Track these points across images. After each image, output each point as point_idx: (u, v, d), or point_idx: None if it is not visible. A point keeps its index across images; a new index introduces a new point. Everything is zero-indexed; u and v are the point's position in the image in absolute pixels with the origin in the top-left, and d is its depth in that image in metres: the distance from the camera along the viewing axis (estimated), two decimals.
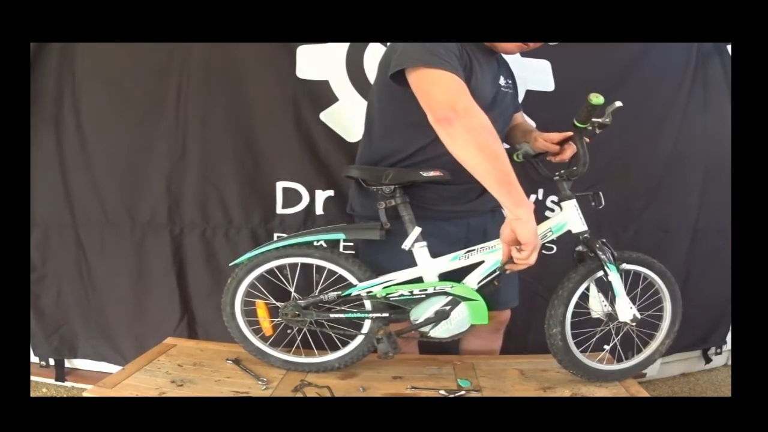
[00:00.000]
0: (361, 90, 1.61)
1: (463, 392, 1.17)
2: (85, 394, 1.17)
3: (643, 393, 1.21)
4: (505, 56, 1.30)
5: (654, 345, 1.28)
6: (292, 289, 1.24)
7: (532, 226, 1.01)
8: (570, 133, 1.19)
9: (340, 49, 1.59)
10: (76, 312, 1.75)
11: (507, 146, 1.35)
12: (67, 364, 1.83)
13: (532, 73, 1.63)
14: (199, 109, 1.61)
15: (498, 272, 1.15)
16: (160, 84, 1.60)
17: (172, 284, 1.69)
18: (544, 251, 1.72)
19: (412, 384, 1.20)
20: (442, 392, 1.16)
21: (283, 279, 1.26)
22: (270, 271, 1.26)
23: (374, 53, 1.59)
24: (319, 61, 1.60)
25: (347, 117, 1.62)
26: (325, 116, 1.62)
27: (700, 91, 1.78)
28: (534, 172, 1.29)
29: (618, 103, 1.08)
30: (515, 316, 1.46)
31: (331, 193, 1.65)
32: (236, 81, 1.60)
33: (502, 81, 1.23)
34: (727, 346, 2.08)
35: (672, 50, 1.72)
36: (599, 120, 1.10)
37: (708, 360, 2.08)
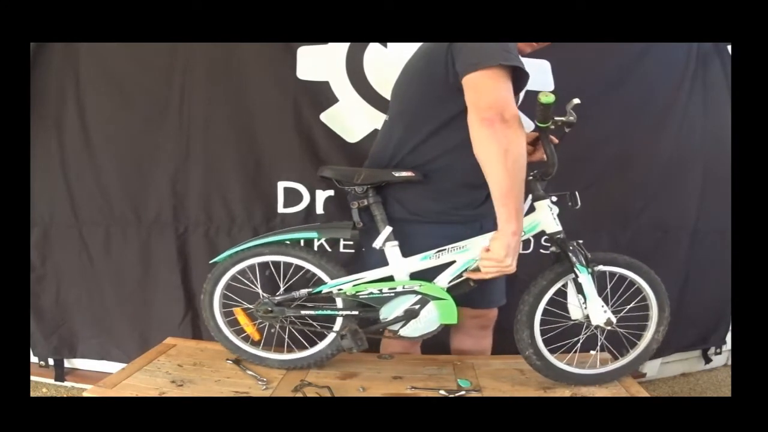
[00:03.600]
0: (361, 91, 1.61)
1: (463, 392, 1.17)
2: (85, 394, 1.17)
3: (643, 393, 1.21)
4: None
5: (648, 335, 1.26)
6: (258, 287, 1.26)
7: (506, 243, 1.03)
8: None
9: (341, 49, 1.60)
10: (76, 311, 1.75)
11: None
12: (67, 364, 1.83)
13: (531, 73, 1.62)
14: (201, 109, 1.62)
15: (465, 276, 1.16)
16: (164, 85, 1.61)
17: (177, 282, 1.70)
18: (541, 250, 1.72)
19: (412, 384, 1.20)
20: (442, 392, 1.16)
21: (255, 280, 1.27)
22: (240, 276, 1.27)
23: (374, 54, 1.59)
24: (320, 62, 1.60)
25: (347, 118, 1.62)
26: (325, 117, 1.62)
27: (700, 91, 1.78)
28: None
29: (576, 100, 1.08)
30: (513, 315, 1.45)
31: (331, 193, 1.65)
32: (238, 82, 1.60)
33: None
34: (727, 346, 2.08)
35: (672, 50, 1.72)
36: (563, 119, 1.09)
37: (708, 360, 2.08)
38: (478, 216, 1.24)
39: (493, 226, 1.26)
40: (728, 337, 2.04)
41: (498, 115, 0.98)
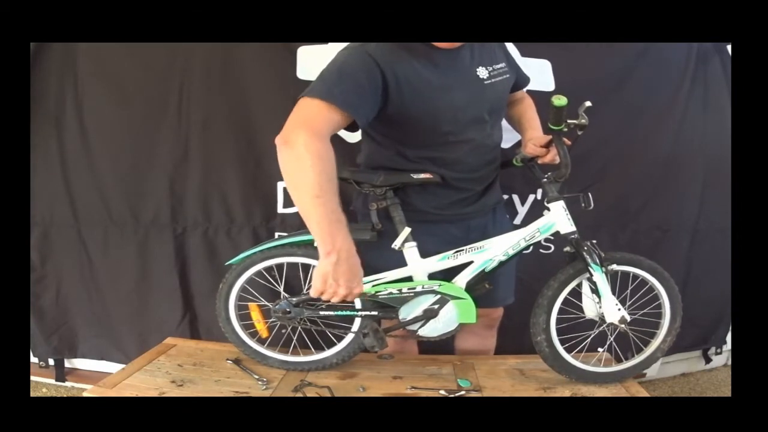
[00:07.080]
0: None
1: (463, 392, 1.17)
2: (85, 394, 1.17)
3: (643, 393, 1.21)
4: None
5: (655, 343, 1.26)
6: (281, 288, 1.25)
7: (320, 269, 0.98)
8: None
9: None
10: (76, 311, 1.75)
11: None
12: (67, 364, 1.83)
13: (532, 72, 1.63)
14: (200, 109, 1.62)
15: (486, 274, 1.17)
16: (163, 85, 1.61)
17: (175, 283, 1.70)
18: (541, 250, 1.72)
19: (412, 384, 1.20)
20: (442, 392, 1.16)
21: (273, 280, 1.27)
22: (261, 274, 1.27)
23: None
24: (320, 62, 1.59)
25: None
26: None
27: (700, 91, 1.77)
28: (532, 174, 1.30)
29: (587, 103, 1.09)
30: (513, 316, 1.45)
31: None
32: (237, 82, 1.60)
33: (482, 72, 1.17)
34: (727, 346, 2.08)
35: (672, 50, 1.72)
36: (575, 121, 1.10)
37: (708, 360, 2.08)
38: (464, 215, 1.26)
39: (480, 226, 1.28)
40: (728, 337, 2.04)
41: (285, 137, 0.97)
